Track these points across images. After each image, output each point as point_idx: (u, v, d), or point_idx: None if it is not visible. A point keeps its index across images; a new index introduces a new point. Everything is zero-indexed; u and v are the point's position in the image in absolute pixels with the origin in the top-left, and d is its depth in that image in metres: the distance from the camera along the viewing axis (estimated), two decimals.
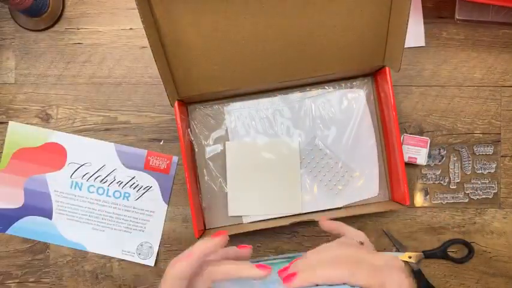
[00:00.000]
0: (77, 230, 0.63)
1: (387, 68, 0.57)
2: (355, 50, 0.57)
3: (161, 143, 0.63)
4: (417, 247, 0.63)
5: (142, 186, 0.62)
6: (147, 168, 0.62)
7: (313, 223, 0.63)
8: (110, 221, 0.63)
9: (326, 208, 0.61)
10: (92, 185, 0.62)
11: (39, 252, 0.63)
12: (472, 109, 0.63)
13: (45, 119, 0.63)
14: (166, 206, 0.63)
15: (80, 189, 0.62)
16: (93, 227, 0.63)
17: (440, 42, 0.63)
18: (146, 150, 0.62)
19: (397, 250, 0.63)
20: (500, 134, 0.63)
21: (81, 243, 0.63)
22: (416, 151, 0.60)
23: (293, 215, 0.61)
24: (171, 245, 0.63)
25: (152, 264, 0.62)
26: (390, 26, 0.55)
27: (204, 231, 0.60)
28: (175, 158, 0.62)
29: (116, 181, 0.62)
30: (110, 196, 0.62)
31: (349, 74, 0.61)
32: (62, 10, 0.63)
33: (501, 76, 0.63)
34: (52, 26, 0.63)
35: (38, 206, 0.63)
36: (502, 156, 0.63)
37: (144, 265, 0.63)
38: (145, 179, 0.62)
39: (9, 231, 0.63)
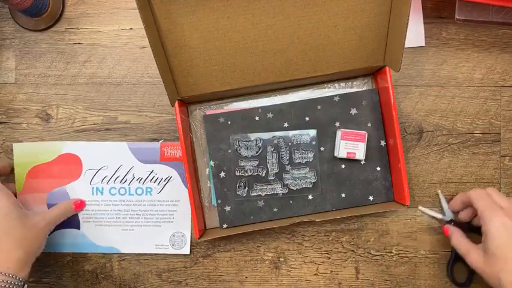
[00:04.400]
0: (107, 234, 0.62)
1: (387, 68, 0.57)
2: (356, 50, 0.57)
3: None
4: (417, 247, 0.63)
5: (162, 178, 0.62)
6: (164, 159, 0.62)
7: (313, 223, 0.63)
8: (137, 219, 0.62)
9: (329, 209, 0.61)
10: (113, 187, 0.62)
11: None
12: (472, 109, 0.64)
13: (45, 119, 0.63)
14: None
15: (102, 194, 0.62)
16: (123, 228, 0.62)
17: (440, 42, 0.63)
18: (159, 142, 0.62)
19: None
20: (500, 134, 0.63)
21: (113, 247, 0.63)
22: (354, 146, 0.59)
23: (292, 217, 0.61)
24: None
25: (188, 252, 0.63)
26: (390, 26, 0.55)
27: (204, 231, 0.60)
28: None
29: (136, 178, 0.62)
30: (132, 194, 0.62)
31: (349, 74, 0.61)
32: (62, 10, 0.63)
33: (501, 76, 0.64)
34: (52, 26, 0.63)
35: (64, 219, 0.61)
36: (502, 156, 0.63)
37: (177, 255, 0.63)
38: (164, 170, 0.62)
39: None
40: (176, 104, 0.56)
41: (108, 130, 0.63)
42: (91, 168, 0.62)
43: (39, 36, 0.63)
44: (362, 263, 0.63)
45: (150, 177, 0.62)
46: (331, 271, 0.64)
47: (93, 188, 0.62)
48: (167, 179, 0.62)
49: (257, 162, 0.60)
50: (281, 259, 0.63)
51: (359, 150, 0.59)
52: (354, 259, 0.63)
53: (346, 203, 0.61)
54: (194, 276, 0.63)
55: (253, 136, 0.61)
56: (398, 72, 0.55)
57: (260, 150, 0.60)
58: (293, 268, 0.64)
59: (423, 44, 0.63)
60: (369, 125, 0.61)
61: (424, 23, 0.63)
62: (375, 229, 0.63)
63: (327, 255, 0.63)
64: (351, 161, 0.61)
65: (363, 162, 0.61)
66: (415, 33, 0.63)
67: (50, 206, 0.61)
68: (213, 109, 0.63)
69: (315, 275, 0.64)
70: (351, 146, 0.59)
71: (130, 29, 0.63)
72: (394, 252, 0.63)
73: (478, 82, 0.64)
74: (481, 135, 0.63)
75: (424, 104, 0.63)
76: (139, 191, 0.62)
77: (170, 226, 0.62)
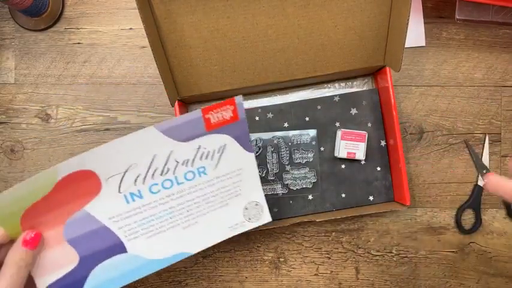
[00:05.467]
0: (167, 241, 0.48)
1: (387, 68, 0.57)
2: (356, 50, 0.57)
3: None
4: (417, 247, 0.63)
5: (214, 151, 0.48)
6: (211, 128, 0.46)
7: (313, 223, 0.63)
8: (197, 208, 0.49)
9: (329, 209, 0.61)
10: (154, 184, 0.46)
11: None
12: (472, 109, 0.63)
13: (45, 119, 0.63)
14: (253, 154, 0.50)
15: (141, 197, 0.46)
16: (183, 226, 0.49)
17: (440, 42, 0.63)
18: (200, 109, 0.45)
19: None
20: (500, 134, 0.63)
21: (180, 252, 0.49)
22: (354, 146, 0.59)
23: (292, 217, 0.61)
24: None
25: (270, 219, 0.53)
26: (391, 26, 0.55)
27: None
28: (237, 99, 0.46)
29: (180, 163, 0.47)
30: (182, 183, 0.48)
31: (349, 74, 0.61)
32: (62, 10, 0.63)
33: (501, 76, 0.63)
34: (52, 25, 0.63)
35: (101, 247, 0.45)
36: (502, 156, 0.63)
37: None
38: (214, 140, 0.47)
39: None
40: (176, 104, 0.56)
41: (107, 130, 0.63)
42: (114, 174, 0.45)
43: (38, 36, 0.63)
44: (362, 263, 0.63)
45: (199, 155, 0.47)
46: (331, 271, 0.63)
47: (125, 195, 0.45)
48: (220, 149, 0.48)
49: (257, 162, 0.60)
50: (281, 259, 0.63)
51: (359, 150, 0.59)
52: (354, 259, 0.63)
53: (346, 203, 0.61)
54: (194, 276, 0.63)
55: (253, 136, 0.61)
56: (399, 72, 0.55)
57: (260, 150, 0.60)
58: (293, 268, 0.63)
59: (423, 44, 0.63)
60: (369, 125, 0.61)
61: (425, 23, 0.63)
62: (375, 229, 0.63)
63: (327, 255, 0.63)
64: (351, 161, 0.61)
65: (363, 162, 0.61)
66: (415, 33, 0.63)
67: (72, 241, 0.44)
68: None
69: (315, 275, 0.63)
70: (351, 146, 0.59)
71: (130, 28, 0.63)
72: (394, 252, 0.63)
73: (479, 82, 0.63)
74: (481, 135, 0.63)
75: (424, 104, 0.63)
76: (189, 176, 0.48)
77: (239, 200, 0.51)
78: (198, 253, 0.63)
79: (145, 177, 0.46)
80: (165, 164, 0.46)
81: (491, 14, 0.60)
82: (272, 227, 0.60)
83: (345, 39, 0.56)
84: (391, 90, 0.57)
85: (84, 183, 0.43)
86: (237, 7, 0.52)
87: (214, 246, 0.63)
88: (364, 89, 0.62)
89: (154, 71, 0.63)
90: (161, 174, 0.46)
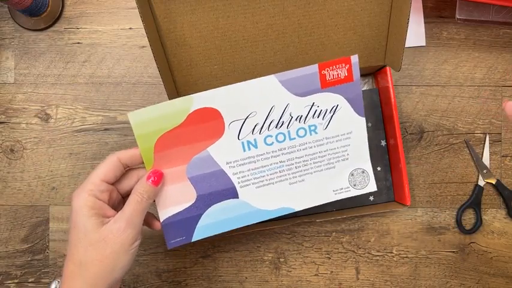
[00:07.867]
0: (273, 194, 0.51)
1: (388, 68, 0.57)
2: (356, 50, 0.57)
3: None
4: (418, 247, 0.63)
5: (327, 110, 0.49)
6: (326, 85, 0.48)
7: (313, 223, 0.63)
8: (305, 166, 0.51)
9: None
10: (269, 136, 0.49)
11: (38, 253, 0.63)
12: (473, 109, 0.63)
13: (44, 119, 0.63)
14: (364, 118, 0.50)
15: (256, 147, 0.49)
16: (290, 182, 0.51)
17: (440, 41, 0.63)
18: (316, 65, 0.47)
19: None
20: (501, 134, 0.63)
21: (285, 207, 0.51)
22: None
23: (293, 217, 0.61)
24: None
25: (375, 189, 0.53)
26: (391, 26, 0.55)
27: None
28: (354, 58, 0.47)
29: (294, 118, 0.49)
30: (294, 138, 0.50)
31: None
32: (62, 10, 0.63)
33: (502, 76, 0.63)
34: (51, 25, 0.63)
35: (216, 189, 0.49)
36: (502, 156, 0.63)
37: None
38: (327, 99, 0.49)
39: (196, 236, 0.50)
40: None
41: (107, 130, 0.63)
42: (236, 119, 0.48)
43: (38, 36, 0.63)
44: (362, 264, 0.63)
45: (312, 112, 0.49)
46: (332, 271, 0.63)
47: (243, 143, 0.49)
48: (333, 109, 0.49)
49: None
50: (281, 259, 0.63)
51: None
52: (354, 259, 0.63)
53: (346, 203, 0.61)
54: (194, 276, 0.63)
55: None
56: (399, 72, 0.55)
57: None
58: (293, 268, 0.63)
59: (424, 44, 0.63)
60: (369, 125, 0.61)
61: (425, 23, 0.63)
62: (376, 229, 0.63)
63: (327, 255, 0.63)
64: None
65: None
66: (416, 32, 0.63)
67: (192, 180, 0.48)
68: None
69: (315, 275, 0.63)
70: None
71: (130, 28, 0.63)
72: (395, 252, 0.63)
73: (479, 82, 0.63)
74: (481, 135, 0.63)
75: (424, 104, 0.63)
76: (301, 132, 0.49)
77: (346, 164, 0.51)
78: (198, 253, 0.63)
79: (262, 127, 0.49)
80: (281, 117, 0.49)
81: (492, 13, 0.60)
82: (272, 227, 0.60)
83: (345, 38, 0.56)
84: (391, 90, 0.56)
85: (211, 124, 0.47)
86: (237, 6, 0.52)
87: (214, 246, 0.63)
88: (365, 88, 0.62)
89: (154, 70, 0.63)
90: (276, 127, 0.49)
